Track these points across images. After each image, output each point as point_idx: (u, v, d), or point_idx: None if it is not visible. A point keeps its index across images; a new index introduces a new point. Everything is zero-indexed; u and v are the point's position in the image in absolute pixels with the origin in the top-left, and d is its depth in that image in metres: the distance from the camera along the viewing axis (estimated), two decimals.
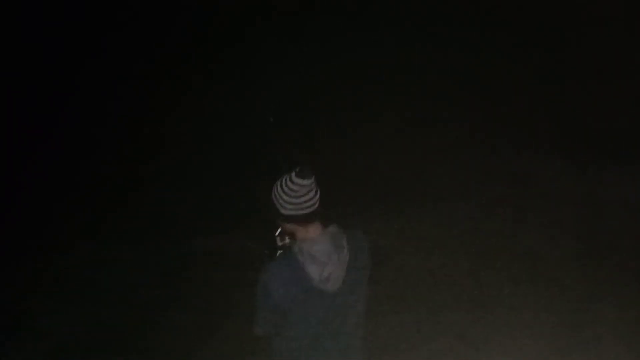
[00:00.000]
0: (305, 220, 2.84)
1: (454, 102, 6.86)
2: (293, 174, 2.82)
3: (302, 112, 6.76)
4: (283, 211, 2.85)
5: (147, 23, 7.54)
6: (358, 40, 7.42)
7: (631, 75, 6.84)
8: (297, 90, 6.96)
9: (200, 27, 7.64)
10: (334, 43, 7.42)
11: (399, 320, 4.78)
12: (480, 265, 5.28)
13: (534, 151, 6.41)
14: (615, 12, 7.32)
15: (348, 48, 7.33)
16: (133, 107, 6.86)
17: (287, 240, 2.95)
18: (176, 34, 7.51)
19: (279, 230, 2.98)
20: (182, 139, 6.65)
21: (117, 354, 4.59)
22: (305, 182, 2.81)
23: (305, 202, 2.82)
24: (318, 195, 2.85)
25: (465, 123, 6.72)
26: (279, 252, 2.95)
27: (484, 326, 4.72)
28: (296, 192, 2.81)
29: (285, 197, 2.83)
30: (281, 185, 2.84)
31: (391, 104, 6.96)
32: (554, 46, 7.32)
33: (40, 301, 5.05)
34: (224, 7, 7.76)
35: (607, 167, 6.10)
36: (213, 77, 7.19)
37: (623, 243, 5.38)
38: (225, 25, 7.71)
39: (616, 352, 4.49)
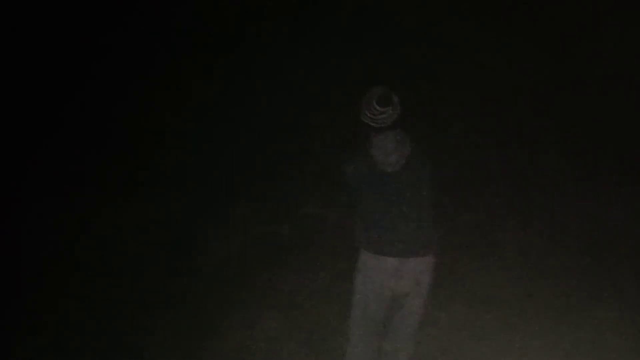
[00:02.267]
0: (378, 130, 3.58)
1: (455, 102, 6.86)
2: (374, 99, 3.57)
3: (304, 111, 6.76)
4: (362, 118, 3.61)
5: (148, 21, 7.53)
6: (360, 40, 7.41)
7: (635, 76, 6.82)
8: (299, 89, 6.96)
9: (203, 26, 7.62)
10: (335, 42, 7.41)
11: None
12: (480, 264, 5.28)
13: (536, 151, 6.40)
14: (621, 12, 7.30)
15: (349, 47, 7.33)
16: (133, 106, 6.85)
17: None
18: (177, 33, 7.50)
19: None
20: (183, 139, 6.64)
21: (118, 351, 4.59)
22: (380, 108, 3.55)
23: (379, 120, 3.56)
24: (394, 116, 3.56)
25: (468, 123, 6.70)
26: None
27: (485, 325, 4.72)
28: (373, 112, 3.57)
29: (365, 111, 3.59)
30: (366, 101, 3.61)
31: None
32: (558, 46, 7.29)
33: (42, 297, 5.05)
34: (225, 5, 7.75)
35: (609, 167, 6.09)
36: (215, 77, 7.18)
37: (625, 243, 5.38)
38: (227, 24, 7.70)
39: (618, 353, 4.49)
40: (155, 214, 5.89)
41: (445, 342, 4.61)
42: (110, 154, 6.44)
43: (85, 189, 6.09)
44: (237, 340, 4.72)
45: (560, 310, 4.83)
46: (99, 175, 6.22)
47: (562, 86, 6.95)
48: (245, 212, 5.86)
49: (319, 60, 7.27)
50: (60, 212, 5.80)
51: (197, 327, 4.82)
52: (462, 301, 4.94)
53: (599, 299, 4.90)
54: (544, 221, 5.66)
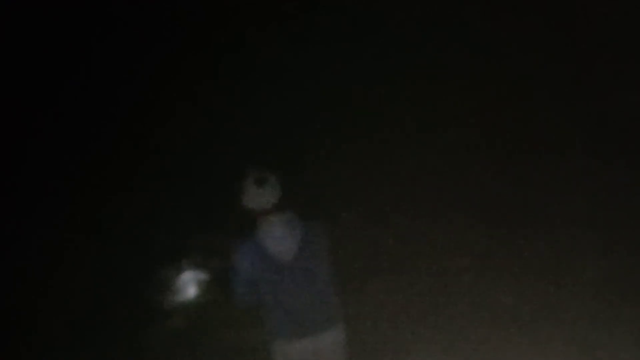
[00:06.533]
0: (264, 214, 3.57)
1: (457, 102, 6.85)
2: (251, 182, 3.56)
3: (304, 112, 6.76)
4: (245, 203, 3.59)
5: (147, 22, 7.54)
6: (360, 42, 7.41)
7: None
8: (299, 91, 6.96)
9: (202, 28, 7.63)
10: (336, 44, 7.41)
11: (398, 320, 4.78)
12: (480, 264, 5.28)
13: (544, 149, 6.36)
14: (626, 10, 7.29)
15: (350, 49, 7.33)
16: (134, 105, 6.85)
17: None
18: (176, 33, 7.50)
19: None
20: (181, 141, 6.64)
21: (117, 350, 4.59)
22: (257, 190, 3.55)
23: (260, 203, 3.56)
24: (274, 198, 3.53)
25: (470, 123, 6.70)
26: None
27: (484, 325, 4.72)
28: (252, 195, 3.57)
29: (245, 195, 3.60)
30: (244, 186, 3.60)
31: (393, 104, 6.95)
32: (561, 43, 7.28)
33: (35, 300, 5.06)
34: (225, 8, 7.75)
35: (617, 166, 6.06)
36: (214, 79, 7.19)
37: (628, 243, 5.37)
38: (227, 26, 7.71)
39: (618, 354, 4.48)
40: (156, 214, 5.89)
41: (442, 345, 4.60)
42: (109, 154, 6.44)
43: (83, 188, 6.09)
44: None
45: (563, 311, 4.83)
46: (99, 173, 6.22)
47: (569, 85, 6.92)
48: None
49: (319, 61, 7.27)
50: (57, 211, 5.81)
51: (195, 326, 4.82)
52: (458, 302, 4.94)
53: (602, 300, 4.90)
54: (547, 221, 5.64)
